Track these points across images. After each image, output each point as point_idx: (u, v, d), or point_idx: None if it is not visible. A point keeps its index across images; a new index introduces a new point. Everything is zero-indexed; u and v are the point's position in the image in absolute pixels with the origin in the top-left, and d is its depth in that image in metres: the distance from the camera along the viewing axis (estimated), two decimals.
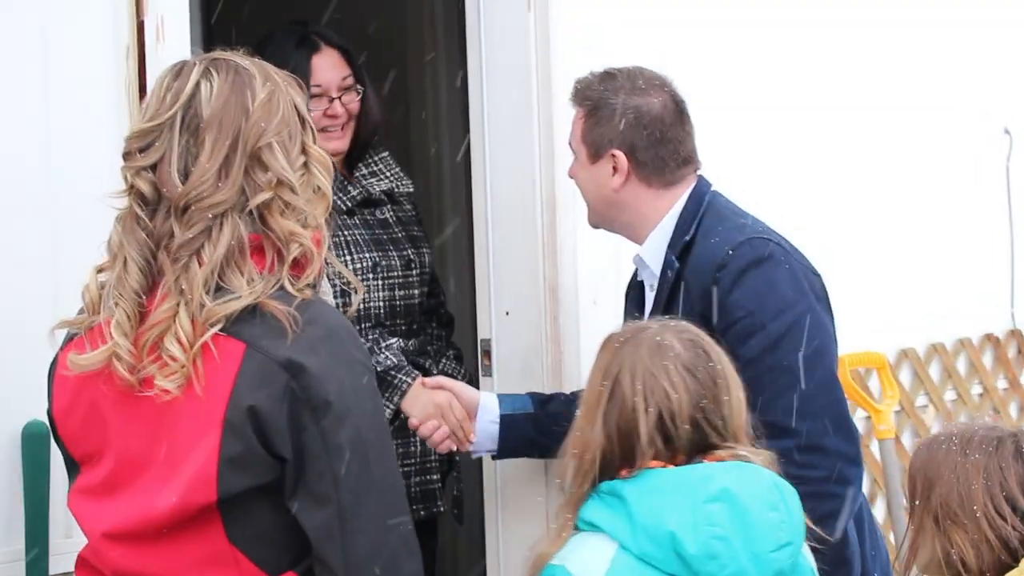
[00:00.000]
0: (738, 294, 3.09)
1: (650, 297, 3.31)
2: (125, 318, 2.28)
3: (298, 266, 2.32)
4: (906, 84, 4.79)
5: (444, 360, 4.05)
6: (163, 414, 2.26)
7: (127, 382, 2.27)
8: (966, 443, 2.51)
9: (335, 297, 3.39)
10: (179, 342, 2.23)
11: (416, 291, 3.97)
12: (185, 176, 2.28)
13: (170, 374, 2.23)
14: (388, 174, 4.07)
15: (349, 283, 3.54)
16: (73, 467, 2.43)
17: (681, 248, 3.22)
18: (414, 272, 3.97)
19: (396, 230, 4.00)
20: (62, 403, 2.38)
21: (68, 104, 3.08)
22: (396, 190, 4.04)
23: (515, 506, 3.89)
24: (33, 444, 2.99)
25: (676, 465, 2.49)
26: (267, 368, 2.23)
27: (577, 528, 2.51)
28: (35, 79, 3.05)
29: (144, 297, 2.29)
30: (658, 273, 3.26)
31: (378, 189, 4.01)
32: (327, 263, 2.38)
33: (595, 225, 3.42)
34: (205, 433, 2.24)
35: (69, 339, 2.38)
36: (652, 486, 2.45)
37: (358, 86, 3.98)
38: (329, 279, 3.11)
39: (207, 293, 2.25)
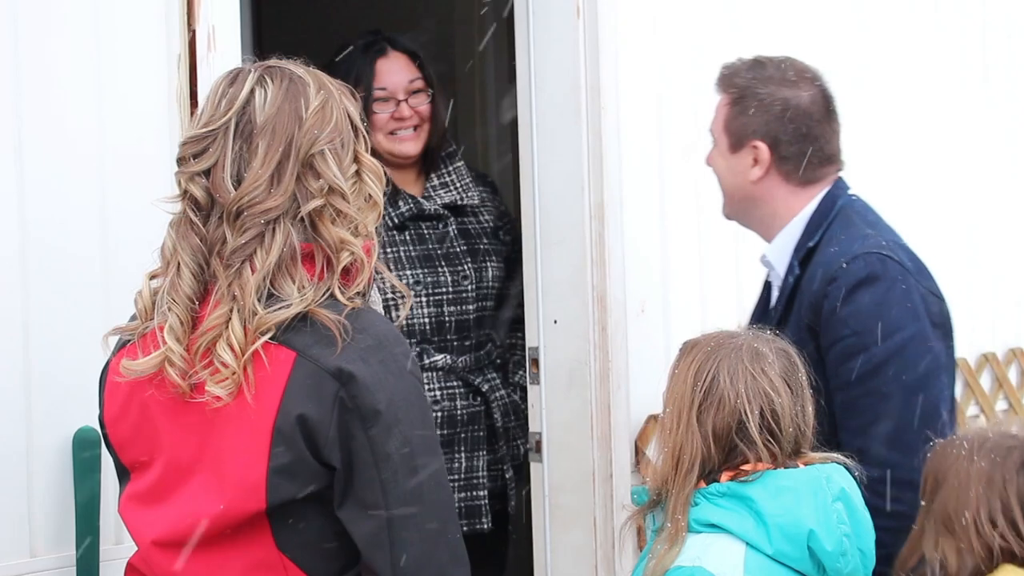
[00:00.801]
0: (846, 311, 2.97)
1: (775, 298, 3.21)
2: (178, 323, 2.29)
3: (348, 274, 2.33)
4: (967, 85, 4.77)
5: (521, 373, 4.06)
6: (213, 421, 2.27)
7: (179, 388, 2.28)
8: (976, 449, 2.50)
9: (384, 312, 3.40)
10: (231, 348, 2.24)
11: (471, 306, 3.97)
12: (238, 182, 2.30)
13: (221, 380, 2.24)
14: (457, 186, 4.07)
15: (397, 297, 3.54)
16: (123, 473, 2.44)
17: (804, 254, 3.11)
18: (469, 287, 3.96)
19: (456, 244, 4.00)
20: (113, 409, 2.39)
21: (121, 113, 3.10)
22: (459, 202, 4.04)
23: (562, 515, 3.89)
24: (83, 450, 3.00)
25: (780, 467, 2.56)
26: (317, 377, 2.24)
27: (689, 530, 2.57)
28: (88, 88, 3.07)
29: (197, 303, 2.30)
30: (782, 276, 3.16)
31: (437, 203, 4.01)
32: (376, 272, 2.39)
33: (729, 217, 3.30)
34: (255, 441, 2.24)
35: (121, 346, 2.39)
36: (781, 486, 2.53)
37: (428, 90, 4.00)
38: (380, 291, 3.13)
39: (259, 300, 2.26)
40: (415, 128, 4.01)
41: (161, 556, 2.33)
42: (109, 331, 2.42)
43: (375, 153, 3.97)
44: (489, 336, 4.05)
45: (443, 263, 3.96)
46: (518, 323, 4.08)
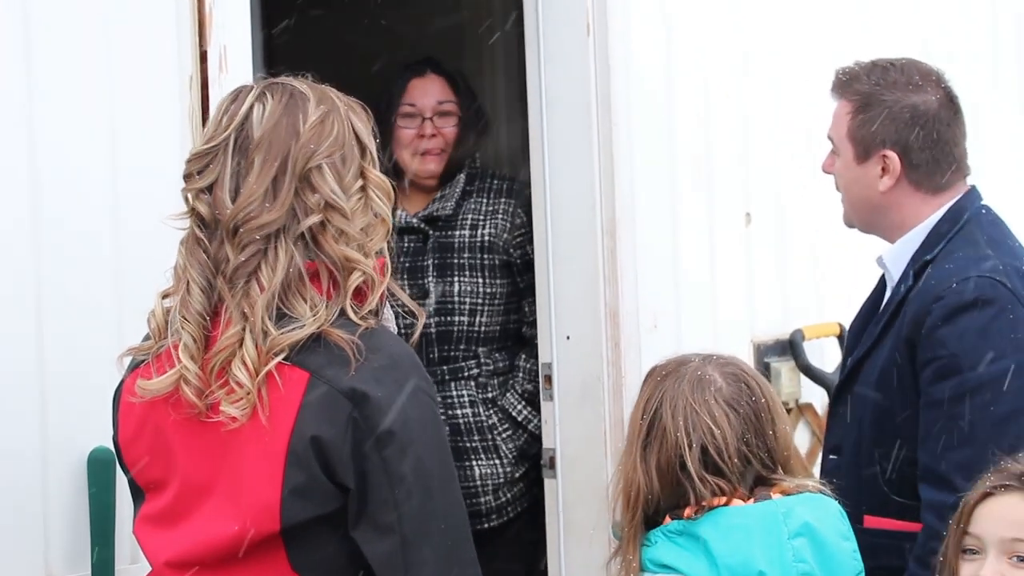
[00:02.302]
0: (945, 331, 2.88)
1: (886, 302, 3.10)
2: (192, 341, 2.28)
3: (360, 293, 2.32)
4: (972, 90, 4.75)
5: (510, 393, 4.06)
6: (228, 442, 2.27)
7: (195, 406, 2.28)
8: (1007, 479, 2.43)
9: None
10: (246, 368, 2.23)
11: (431, 320, 4.01)
12: (235, 197, 2.29)
13: (236, 400, 2.23)
14: (446, 197, 4.11)
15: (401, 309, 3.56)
16: (138, 494, 2.43)
17: (919, 265, 3.00)
18: (427, 301, 3.99)
19: (426, 258, 4.04)
20: (128, 430, 2.39)
21: (133, 133, 3.10)
22: (435, 214, 4.07)
23: (577, 531, 3.89)
24: (99, 470, 3.01)
25: (739, 499, 2.46)
26: (330, 398, 2.23)
27: (644, 569, 2.48)
28: (101, 109, 3.07)
29: (208, 320, 2.29)
30: (896, 280, 3.06)
31: (417, 219, 4.04)
32: (388, 291, 2.38)
33: (850, 225, 3.18)
34: (269, 462, 2.24)
35: (135, 366, 2.39)
36: (732, 524, 2.42)
37: (459, 114, 4.08)
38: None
39: (270, 319, 2.25)
40: (440, 150, 4.07)
41: None
42: (123, 351, 2.41)
43: (398, 170, 4.02)
44: (470, 352, 4.06)
45: (404, 277, 3.99)
46: (491, 340, 4.11)
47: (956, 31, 4.82)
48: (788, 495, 2.47)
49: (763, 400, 2.51)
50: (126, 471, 2.44)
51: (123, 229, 3.09)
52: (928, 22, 4.69)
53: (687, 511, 2.45)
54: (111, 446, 2.47)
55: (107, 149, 3.08)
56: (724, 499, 2.45)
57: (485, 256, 4.08)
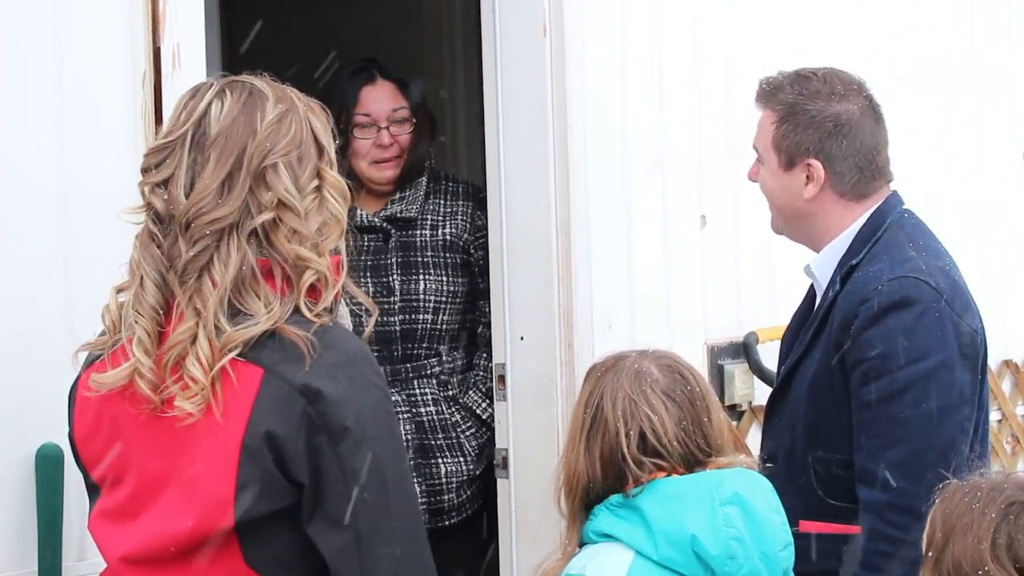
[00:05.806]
0: (873, 333, 2.93)
1: (816, 309, 3.15)
2: (146, 335, 2.29)
3: (315, 291, 2.33)
4: (928, 111, 4.79)
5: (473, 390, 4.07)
6: (182, 437, 2.27)
7: (150, 400, 2.28)
8: (988, 501, 2.30)
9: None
10: (200, 363, 2.24)
11: (395, 318, 4.01)
12: (189, 193, 2.29)
13: (191, 396, 2.24)
14: (408, 198, 4.11)
15: (361, 311, 3.55)
16: (94, 490, 2.42)
17: (846, 270, 3.05)
18: (392, 299, 3.99)
19: (388, 256, 4.03)
20: (84, 425, 2.38)
21: (84, 129, 3.09)
22: (399, 215, 4.07)
23: (528, 532, 3.89)
24: (47, 467, 2.99)
25: (676, 474, 2.59)
26: (285, 394, 2.24)
27: (583, 543, 2.62)
28: (52, 103, 3.05)
29: (162, 315, 2.30)
30: (824, 287, 3.11)
31: (379, 218, 4.05)
32: (343, 288, 2.39)
33: (779, 232, 3.24)
34: (223, 458, 2.24)
35: (90, 362, 2.39)
36: (667, 493, 2.56)
37: (412, 119, 4.06)
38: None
39: (223, 315, 2.26)
40: (396, 157, 4.07)
41: (130, 572, 2.32)
42: (79, 347, 2.41)
43: (355, 177, 4.03)
44: (432, 350, 4.07)
45: (368, 275, 4.00)
46: (450, 338, 4.12)
47: (939, 24, 4.84)
48: (721, 469, 2.60)
49: (698, 389, 2.64)
50: (81, 468, 2.43)
51: (73, 225, 3.06)
52: (892, 19, 4.70)
53: (628, 488, 2.58)
54: (59, 443, 2.46)
55: (57, 145, 3.05)
56: (663, 473, 2.58)
57: (447, 254, 4.09)
